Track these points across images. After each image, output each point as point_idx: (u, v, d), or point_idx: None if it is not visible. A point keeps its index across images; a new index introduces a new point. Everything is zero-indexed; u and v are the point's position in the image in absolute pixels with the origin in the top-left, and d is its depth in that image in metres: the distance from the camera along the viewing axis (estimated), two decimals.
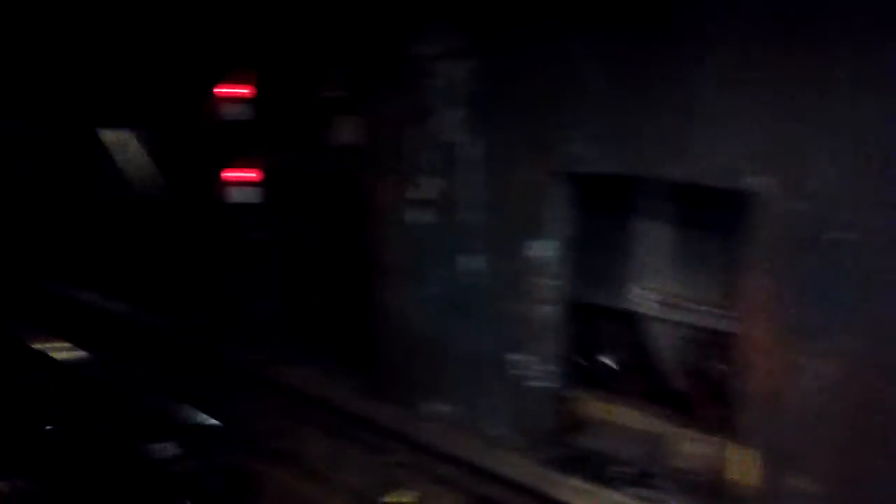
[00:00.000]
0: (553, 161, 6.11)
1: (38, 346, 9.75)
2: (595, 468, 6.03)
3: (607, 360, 6.61)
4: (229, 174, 8.63)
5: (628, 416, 6.35)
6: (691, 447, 5.82)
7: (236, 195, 8.58)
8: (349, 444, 7.52)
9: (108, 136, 11.01)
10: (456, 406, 7.06)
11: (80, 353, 9.45)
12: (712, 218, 5.58)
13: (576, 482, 5.88)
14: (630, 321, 6.26)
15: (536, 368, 6.45)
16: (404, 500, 6.41)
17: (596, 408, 6.55)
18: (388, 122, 7.15)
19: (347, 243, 8.16)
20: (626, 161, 5.71)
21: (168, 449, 7.60)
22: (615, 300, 6.26)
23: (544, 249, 6.25)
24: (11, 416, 8.12)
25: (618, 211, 6.13)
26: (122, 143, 10.84)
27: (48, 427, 7.84)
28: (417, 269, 7.15)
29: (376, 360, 7.69)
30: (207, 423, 7.90)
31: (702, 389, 5.98)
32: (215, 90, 8.72)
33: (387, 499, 6.41)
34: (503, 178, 6.39)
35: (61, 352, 9.52)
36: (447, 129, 6.71)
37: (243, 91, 8.65)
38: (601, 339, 6.72)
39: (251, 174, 8.68)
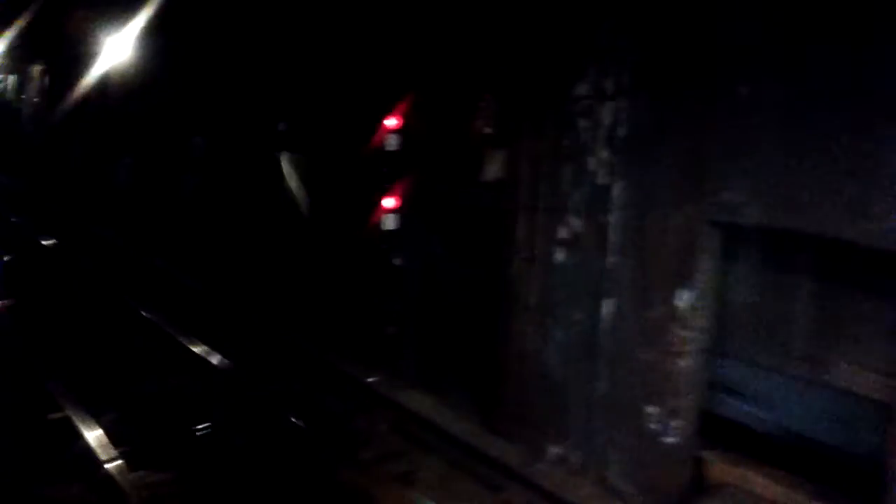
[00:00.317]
0: (708, 209, 5.93)
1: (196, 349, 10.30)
2: None
3: (749, 423, 6.28)
4: (377, 201, 8.91)
5: (766, 487, 5.99)
6: None
7: (382, 222, 8.84)
8: (464, 475, 7.47)
9: (280, 159, 11.73)
10: (582, 453, 6.91)
11: (222, 359, 9.88)
12: (887, 284, 5.24)
13: None
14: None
15: (671, 423, 6.22)
16: None
17: (730, 472, 6.22)
18: (536, 158, 7.17)
19: (486, 277, 8.19)
20: (792, 216, 5.47)
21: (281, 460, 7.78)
22: (770, 363, 5.96)
23: (691, 300, 6.05)
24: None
25: (775, 268, 5.87)
26: (290, 167, 11.52)
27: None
28: (556, 310, 7.08)
29: (503, 396, 7.63)
30: (318, 436, 8.03)
31: (847, 465, 5.58)
32: (368, 121, 9.10)
33: None
34: (653, 222, 6.26)
35: (212, 357, 10.03)
36: (597, 169, 6.66)
37: (394, 122, 8.94)
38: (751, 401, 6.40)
39: (396, 202, 8.93)
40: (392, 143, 9.04)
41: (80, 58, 18.44)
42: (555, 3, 6.95)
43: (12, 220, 19.21)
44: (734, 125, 5.72)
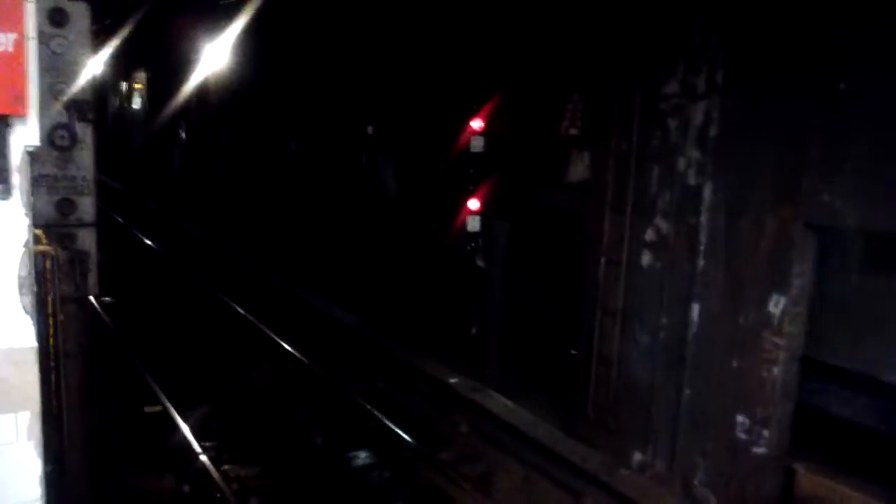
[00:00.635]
0: (803, 212, 5.68)
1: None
2: None
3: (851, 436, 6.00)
4: (462, 202, 8.93)
5: (855, 500, 5.70)
6: None
7: (467, 223, 8.85)
8: (543, 480, 7.40)
9: (369, 161, 11.97)
10: (667, 460, 6.73)
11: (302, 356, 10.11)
12: None
13: None
14: (883, 393, 5.64)
15: (762, 433, 5.99)
16: None
17: (821, 484, 5.94)
18: (623, 159, 7.02)
19: (569, 280, 8.09)
20: (890, 219, 5.19)
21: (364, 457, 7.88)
22: (865, 369, 5.66)
23: (785, 305, 5.81)
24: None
25: (875, 272, 5.57)
26: (378, 169, 11.72)
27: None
28: (642, 314, 6.92)
29: (586, 401, 7.51)
30: (400, 435, 8.09)
31: None
32: (454, 122, 9.14)
33: None
34: (746, 224, 6.05)
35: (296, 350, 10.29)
36: (687, 170, 6.48)
37: (479, 124, 8.93)
38: (837, 409, 6.11)
39: (480, 204, 8.93)
40: (477, 144, 9.04)
41: (180, 65, 19.18)
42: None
43: (117, 219, 20.16)
44: (833, 124, 5.46)
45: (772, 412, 5.94)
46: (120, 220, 20.19)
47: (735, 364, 6.15)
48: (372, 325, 11.15)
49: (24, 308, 2.52)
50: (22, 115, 2.32)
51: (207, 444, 7.72)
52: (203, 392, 9.10)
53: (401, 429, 8.15)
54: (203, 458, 7.31)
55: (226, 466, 7.43)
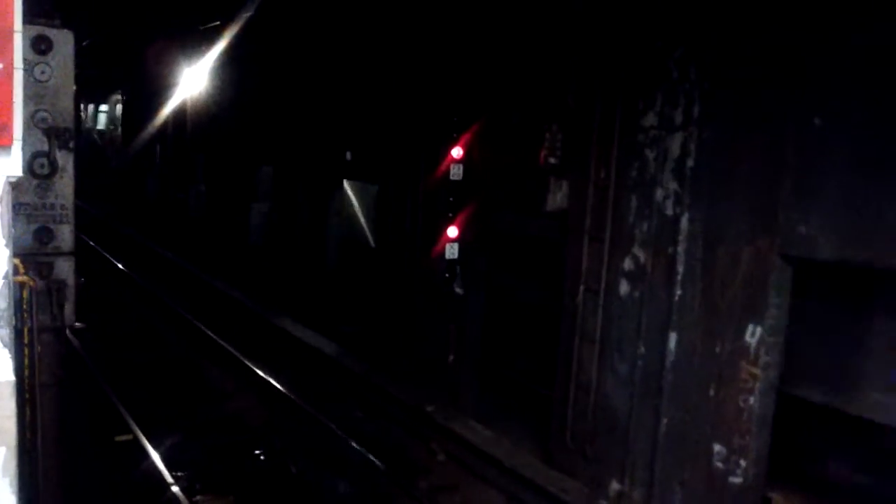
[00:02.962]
0: (779, 243, 5.75)
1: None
2: None
3: (827, 466, 6.03)
4: (440, 229, 8.93)
5: None
6: None
7: (446, 250, 8.85)
8: None
9: (345, 187, 11.94)
10: (645, 490, 6.72)
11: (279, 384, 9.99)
12: None
13: None
14: (860, 427, 5.68)
15: (739, 463, 6.01)
16: None
17: None
18: (602, 189, 7.08)
19: (548, 308, 8.10)
20: (868, 250, 5.26)
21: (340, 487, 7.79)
22: (841, 402, 5.71)
23: (761, 335, 5.86)
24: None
25: (852, 304, 5.65)
26: (356, 195, 11.70)
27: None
28: (620, 343, 6.94)
29: (564, 430, 7.49)
30: (376, 463, 8.02)
31: None
32: (433, 150, 9.17)
33: None
34: (723, 255, 6.10)
35: (271, 378, 10.19)
36: (664, 200, 6.54)
37: (458, 152, 8.96)
38: (817, 442, 6.16)
39: (459, 231, 8.93)
40: (456, 172, 9.06)
41: (155, 89, 19.10)
42: (622, 32, 6.90)
43: (90, 244, 19.88)
44: (809, 157, 5.55)
45: (749, 442, 5.96)
46: (91, 243, 19.93)
47: (712, 393, 6.17)
48: (350, 351, 11.06)
49: (1, 341, 2.45)
50: (6, 146, 2.29)
51: (179, 473, 7.58)
52: (176, 419, 8.96)
53: (377, 457, 8.08)
54: (174, 488, 7.19)
55: (198, 497, 7.31)
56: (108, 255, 18.22)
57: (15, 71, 2.27)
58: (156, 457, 7.76)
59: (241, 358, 10.89)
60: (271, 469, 8.05)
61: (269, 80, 14.19)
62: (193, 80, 17.10)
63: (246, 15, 12.81)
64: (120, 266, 17.32)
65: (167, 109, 18.53)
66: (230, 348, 11.29)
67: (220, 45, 14.13)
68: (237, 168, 16.18)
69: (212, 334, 11.95)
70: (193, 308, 13.51)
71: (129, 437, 8.23)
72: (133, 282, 16.13)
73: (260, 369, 10.41)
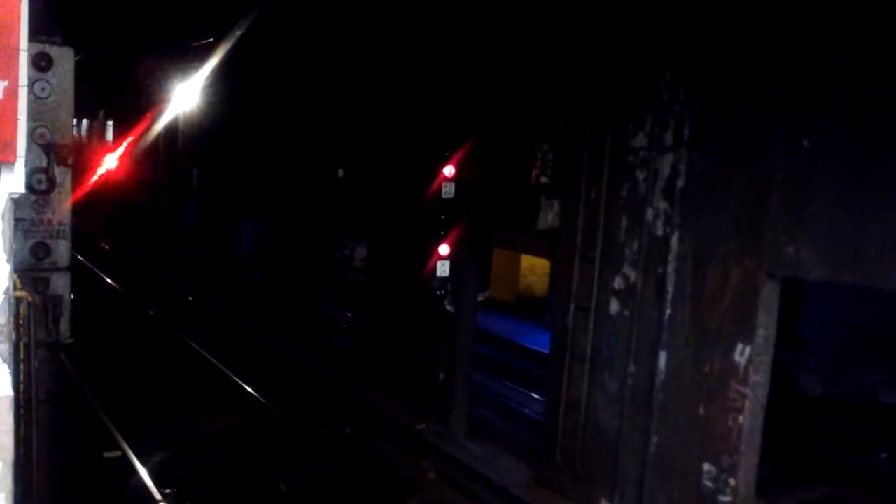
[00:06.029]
0: (767, 262, 5.82)
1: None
2: None
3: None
4: (432, 247, 8.96)
5: None
6: None
7: (437, 268, 8.88)
8: None
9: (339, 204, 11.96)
10: None
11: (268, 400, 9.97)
12: None
13: None
14: None
15: (727, 481, 6.04)
16: None
17: None
18: (592, 208, 7.15)
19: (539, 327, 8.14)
20: (853, 270, 5.34)
21: None
22: None
23: (750, 354, 5.91)
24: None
25: None
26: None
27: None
28: (610, 361, 6.98)
29: (555, 449, 7.51)
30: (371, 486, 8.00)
31: None
32: (425, 169, 9.22)
33: None
34: (712, 275, 6.17)
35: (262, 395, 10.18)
36: (654, 220, 6.61)
37: (450, 170, 9.01)
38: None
39: (451, 249, 8.96)
40: (448, 190, 9.10)
41: (142, 107, 19.07)
42: (613, 54, 6.99)
43: (78, 258, 19.80)
44: (797, 178, 5.63)
45: (738, 460, 6.00)
46: (79, 257, 19.86)
47: (702, 412, 6.21)
48: (338, 368, 11.05)
49: (0, 356, 2.46)
50: (10, 163, 2.31)
51: (167, 490, 7.55)
52: (165, 436, 8.92)
53: (367, 475, 8.05)
54: None
55: None
56: (95, 268, 18.17)
57: (20, 89, 2.30)
58: (144, 473, 7.71)
59: (230, 374, 10.86)
60: (260, 486, 8.01)
61: (262, 97, 14.22)
62: (185, 97, 17.10)
63: (239, 32, 12.86)
64: (109, 280, 17.26)
65: (154, 130, 18.57)
66: (219, 364, 11.26)
67: (213, 62, 14.13)
68: (229, 184, 16.17)
69: (201, 350, 11.93)
70: (171, 314, 13.49)
71: (118, 453, 8.18)
72: (123, 297, 16.08)
73: (251, 387, 10.38)
